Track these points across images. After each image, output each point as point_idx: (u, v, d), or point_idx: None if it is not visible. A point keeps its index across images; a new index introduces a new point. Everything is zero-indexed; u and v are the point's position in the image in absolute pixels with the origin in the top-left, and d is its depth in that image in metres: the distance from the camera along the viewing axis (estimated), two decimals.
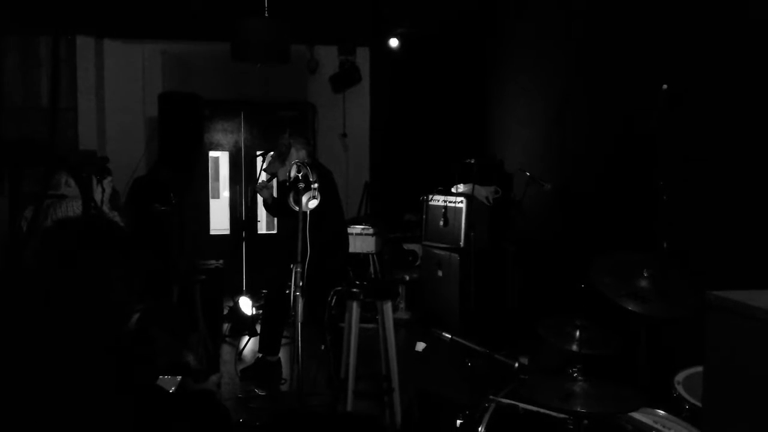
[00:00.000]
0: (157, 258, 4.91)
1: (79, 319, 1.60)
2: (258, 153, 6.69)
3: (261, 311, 5.91)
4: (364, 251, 7.02)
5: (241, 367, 5.33)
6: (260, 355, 5.23)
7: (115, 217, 3.80)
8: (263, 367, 5.18)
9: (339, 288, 3.93)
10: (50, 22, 7.32)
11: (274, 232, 8.86)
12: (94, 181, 3.83)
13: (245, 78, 7.85)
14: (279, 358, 5.26)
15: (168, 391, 2.14)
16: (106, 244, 1.68)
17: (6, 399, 1.52)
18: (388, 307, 4.00)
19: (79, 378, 1.54)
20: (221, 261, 5.88)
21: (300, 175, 3.83)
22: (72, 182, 3.78)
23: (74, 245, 1.64)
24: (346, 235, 5.31)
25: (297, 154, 4.89)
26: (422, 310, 6.87)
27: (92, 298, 1.62)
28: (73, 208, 3.66)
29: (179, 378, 2.41)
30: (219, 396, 4.43)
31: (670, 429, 2.67)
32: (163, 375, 2.36)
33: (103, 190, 3.84)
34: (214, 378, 2.53)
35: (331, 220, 4.84)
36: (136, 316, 2.24)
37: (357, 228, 6.99)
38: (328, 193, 4.61)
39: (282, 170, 4.90)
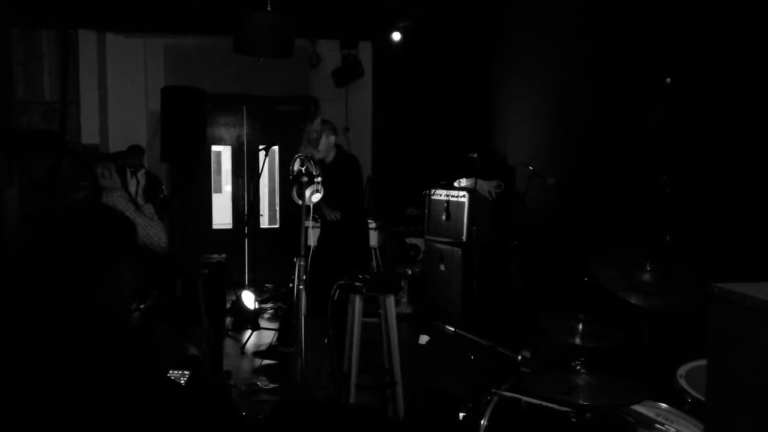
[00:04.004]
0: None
1: (91, 308, 1.60)
2: (260, 147, 6.69)
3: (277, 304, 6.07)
4: None
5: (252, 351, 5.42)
6: (276, 343, 5.33)
7: (150, 209, 3.83)
8: (277, 355, 5.28)
9: (341, 282, 3.94)
10: (52, 16, 7.31)
11: (277, 226, 8.88)
12: (128, 173, 3.88)
13: (248, 72, 7.85)
14: (292, 351, 5.33)
15: (179, 384, 2.14)
16: (116, 230, 1.69)
17: (15, 383, 1.53)
18: (390, 301, 4.01)
19: (89, 366, 1.54)
20: (224, 255, 5.88)
21: (303, 169, 3.84)
22: (107, 173, 3.83)
23: (91, 230, 1.65)
24: (366, 220, 5.53)
25: (327, 140, 5.07)
26: (424, 304, 6.87)
27: (106, 284, 1.63)
28: (115, 199, 3.69)
29: (189, 372, 2.41)
30: (231, 392, 4.45)
31: (672, 422, 2.68)
32: (173, 368, 2.35)
33: (138, 182, 3.89)
34: (224, 375, 2.53)
35: (354, 205, 5.13)
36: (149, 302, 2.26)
37: None
38: (353, 179, 5.07)
39: (315, 154, 5.09)
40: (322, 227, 5.44)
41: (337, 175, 5.12)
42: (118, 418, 1.52)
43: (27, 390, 1.52)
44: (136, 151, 7.66)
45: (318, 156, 5.04)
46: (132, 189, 3.90)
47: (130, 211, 3.65)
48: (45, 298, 1.59)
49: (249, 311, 6.42)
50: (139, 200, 3.89)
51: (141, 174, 3.93)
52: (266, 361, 5.53)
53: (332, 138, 5.12)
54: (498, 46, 7.22)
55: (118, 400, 1.53)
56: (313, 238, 5.54)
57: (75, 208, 2.30)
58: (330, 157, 5.16)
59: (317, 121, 5.05)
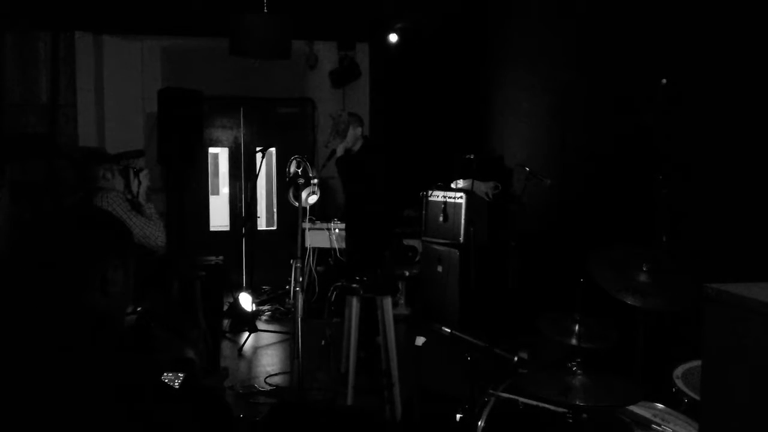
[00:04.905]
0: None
1: (72, 311, 1.60)
2: (258, 149, 6.68)
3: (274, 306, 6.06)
4: None
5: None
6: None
7: (151, 208, 3.87)
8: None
9: (338, 283, 3.94)
10: (49, 18, 7.31)
11: (274, 228, 8.86)
12: (131, 174, 3.95)
13: (245, 74, 7.85)
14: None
15: (173, 387, 2.14)
16: (103, 231, 1.69)
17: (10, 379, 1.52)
18: (387, 302, 4.01)
19: (79, 368, 1.54)
20: (221, 257, 5.88)
21: (299, 170, 3.85)
22: (109, 175, 3.89)
23: (76, 231, 1.65)
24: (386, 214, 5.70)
25: (354, 131, 5.27)
26: (422, 305, 6.87)
27: (91, 286, 1.62)
28: (108, 199, 3.71)
29: (183, 374, 2.40)
30: (225, 394, 4.45)
31: (668, 422, 2.68)
32: (168, 371, 2.35)
33: (140, 183, 3.94)
34: (219, 376, 2.53)
35: (382, 196, 5.27)
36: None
37: None
38: (378, 172, 5.24)
39: (340, 147, 5.30)
40: (348, 224, 5.46)
41: (365, 165, 5.36)
42: (106, 422, 1.52)
43: (9, 393, 1.51)
44: (96, 154, 7.64)
45: (346, 146, 5.30)
46: (134, 189, 3.97)
47: (124, 210, 3.67)
48: (25, 301, 1.58)
49: (246, 313, 6.42)
50: (141, 200, 3.94)
51: (143, 175, 3.99)
52: (264, 363, 5.53)
53: (359, 129, 5.38)
54: (495, 46, 7.23)
55: (106, 402, 1.52)
56: (310, 239, 5.54)
57: (65, 210, 2.29)
58: (356, 147, 5.42)
59: (344, 114, 5.26)
